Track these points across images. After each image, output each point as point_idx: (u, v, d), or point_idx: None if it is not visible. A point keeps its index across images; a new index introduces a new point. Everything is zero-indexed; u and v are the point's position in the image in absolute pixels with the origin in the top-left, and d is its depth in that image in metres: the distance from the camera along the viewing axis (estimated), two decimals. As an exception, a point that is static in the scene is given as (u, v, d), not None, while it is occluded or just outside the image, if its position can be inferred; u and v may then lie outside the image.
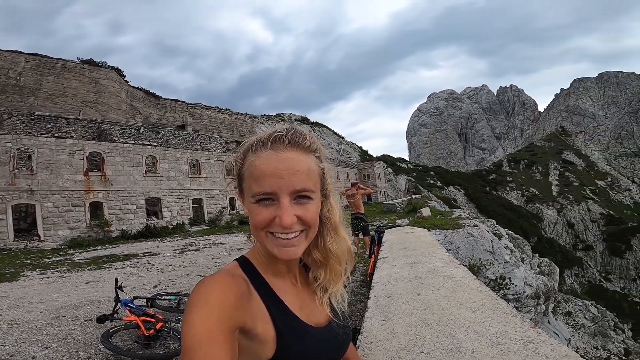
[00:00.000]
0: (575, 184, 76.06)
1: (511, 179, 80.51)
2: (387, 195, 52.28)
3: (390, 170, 61.98)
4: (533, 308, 7.43)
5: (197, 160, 27.02)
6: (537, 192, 73.81)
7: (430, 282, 3.86)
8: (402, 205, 26.11)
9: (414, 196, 37.61)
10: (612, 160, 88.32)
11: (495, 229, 15.15)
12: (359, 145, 75.13)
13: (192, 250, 13.01)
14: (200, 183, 26.72)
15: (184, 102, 45.71)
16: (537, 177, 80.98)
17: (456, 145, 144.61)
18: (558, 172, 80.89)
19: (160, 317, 4.15)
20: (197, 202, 26.19)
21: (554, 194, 73.43)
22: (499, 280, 7.24)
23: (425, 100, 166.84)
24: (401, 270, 4.63)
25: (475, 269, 6.97)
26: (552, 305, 10.65)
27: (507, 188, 76.43)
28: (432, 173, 70.44)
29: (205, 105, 47.08)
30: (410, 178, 61.01)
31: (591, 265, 56.00)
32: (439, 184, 63.09)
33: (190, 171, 26.22)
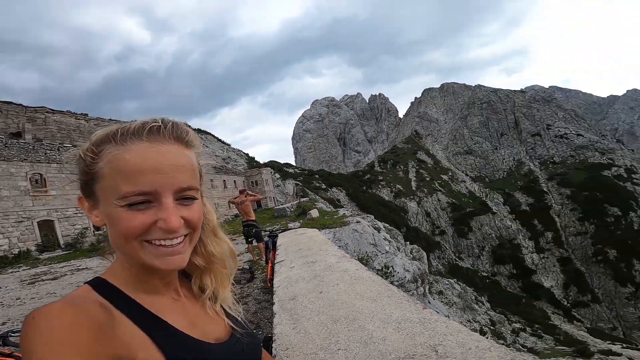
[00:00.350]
0: (427, 179, 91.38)
1: (382, 177, 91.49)
2: (277, 200, 52.73)
3: (277, 175, 62.75)
4: (414, 291, 8.48)
5: (42, 175, 21.98)
6: (401, 188, 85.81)
7: (329, 279, 3.95)
8: (292, 209, 26.63)
9: (302, 199, 38.91)
10: (451, 158, 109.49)
11: (374, 223, 16.85)
12: (245, 152, 73.99)
13: (48, 279, 10.70)
14: (48, 202, 21.81)
15: (19, 105, 36.61)
16: (400, 174, 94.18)
17: (336, 149, 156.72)
18: (415, 170, 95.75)
19: (19, 355, 3.19)
20: (47, 224, 21.30)
21: (414, 188, 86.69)
22: (384, 269, 8.01)
23: (309, 107, 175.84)
24: (300, 271, 4.64)
25: (364, 262, 7.54)
26: (427, 286, 12.38)
27: (379, 186, 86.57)
28: (317, 176, 74.34)
29: (52, 110, 38.73)
30: (298, 182, 63.06)
31: (447, 248, 68.07)
32: (323, 186, 67.01)
33: (32, 188, 21.13)
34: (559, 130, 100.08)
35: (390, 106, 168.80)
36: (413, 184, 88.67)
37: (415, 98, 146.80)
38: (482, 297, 26.19)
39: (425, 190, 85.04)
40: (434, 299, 13.80)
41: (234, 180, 47.69)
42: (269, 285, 5.62)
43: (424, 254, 16.91)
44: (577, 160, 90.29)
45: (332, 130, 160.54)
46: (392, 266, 8.37)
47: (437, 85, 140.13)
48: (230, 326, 0.73)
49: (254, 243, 8.57)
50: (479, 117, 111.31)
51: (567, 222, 75.08)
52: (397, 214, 67.79)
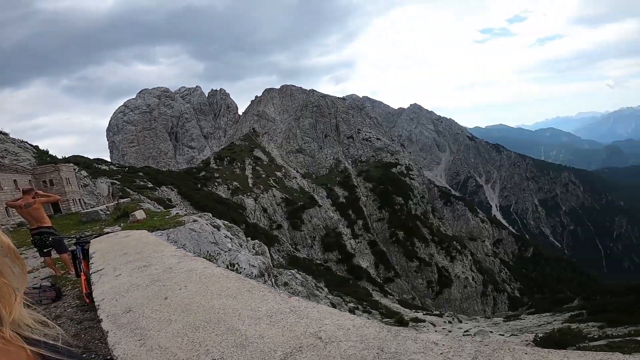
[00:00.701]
0: (263, 175, 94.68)
1: (218, 175, 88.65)
2: (84, 203, 42.96)
3: (85, 173, 51.18)
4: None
5: None
6: (238, 185, 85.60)
7: (173, 282, 3.36)
8: (109, 212, 22.28)
9: (121, 200, 33.05)
10: (285, 156, 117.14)
11: (213, 221, 16.02)
12: (34, 144, 56.52)
13: None
14: None
15: None
16: (237, 171, 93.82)
17: (167, 144, 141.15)
18: (252, 167, 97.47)
19: None
20: None
21: (250, 185, 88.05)
22: (229, 267, 7.60)
23: (134, 96, 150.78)
24: (130, 278, 3.82)
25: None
26: (273, 279, 12.57)
27: (216, 183, 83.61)
28: (141, 174, 65.05)
29: None
30: (115, 181, 53.28)
31: (285, 240, 72.13)
32: (150, 185, 59.22)
33: None
34: (365, 134, 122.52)
35: (230, 102, 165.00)
36: (250, 180, 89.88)
37: (256, 97, 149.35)
38: (321, 283, 29.04)
39: (262, 186, 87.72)
40: (281, 291, 14.27)
41: (14, 180, 36.10)
42: (87, 301, 4.65)
43: (266, 248, 17.30)
44: (376, 160, 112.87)
45: (162, 124, 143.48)
46: (237, 263, 8.06)
47: (278, 87, 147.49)
48: (40, 355, 0.52)
49: (54, 255, 6.59)
50: (309, 119, 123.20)
51: (371, 211, 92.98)
52: (235, 211, 67.19)
